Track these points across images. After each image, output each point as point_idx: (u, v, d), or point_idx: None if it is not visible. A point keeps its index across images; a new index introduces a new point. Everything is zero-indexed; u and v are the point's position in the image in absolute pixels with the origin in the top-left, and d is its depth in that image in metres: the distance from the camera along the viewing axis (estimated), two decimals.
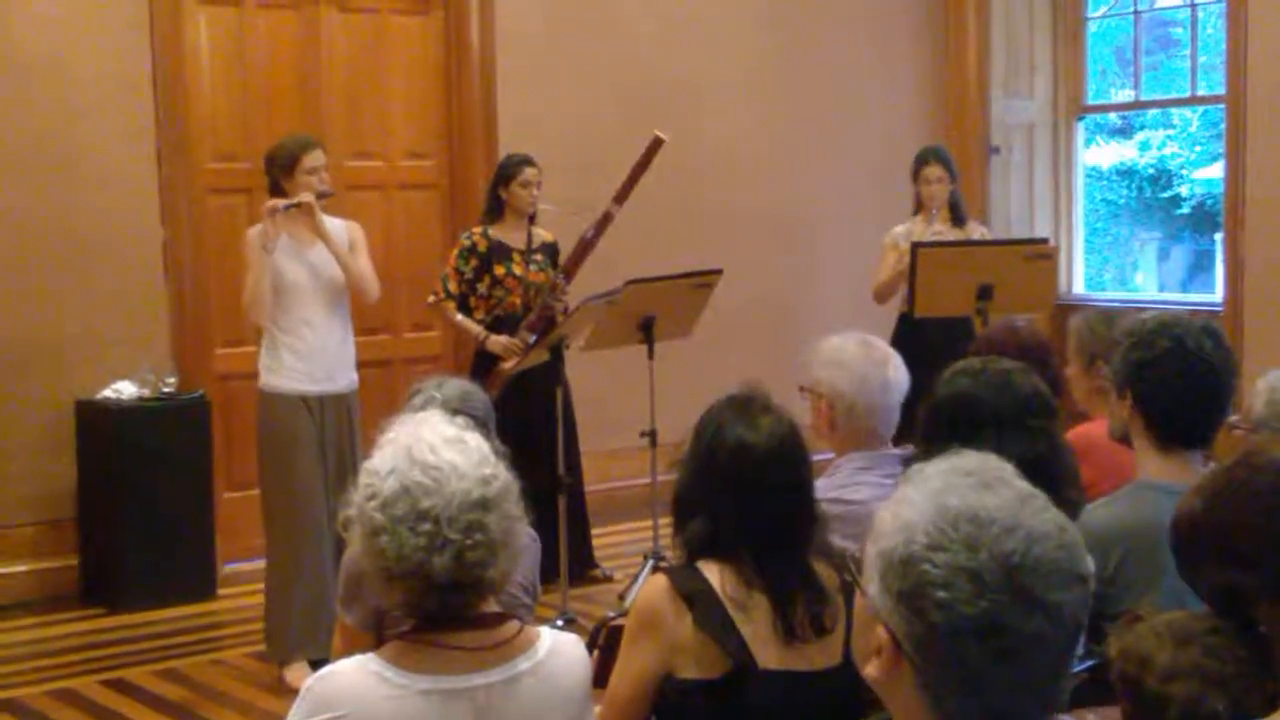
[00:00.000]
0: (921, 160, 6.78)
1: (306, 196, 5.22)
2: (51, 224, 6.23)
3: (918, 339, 5.87)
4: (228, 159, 6.71)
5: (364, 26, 7.07)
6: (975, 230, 6.92)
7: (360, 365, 5.52)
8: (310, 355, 5.27)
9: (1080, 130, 8.98)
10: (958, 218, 6.81)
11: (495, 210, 6.28)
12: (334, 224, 5.35)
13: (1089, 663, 2.28)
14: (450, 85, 7.28)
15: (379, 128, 7.09)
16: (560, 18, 7.50)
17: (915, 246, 6.19)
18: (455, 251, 6.28)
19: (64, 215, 6.25)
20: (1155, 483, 2.81)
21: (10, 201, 6.16)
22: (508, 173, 6.26)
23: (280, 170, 5.30)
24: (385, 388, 6.69)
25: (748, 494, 2.60)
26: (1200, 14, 8.63)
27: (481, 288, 6.21)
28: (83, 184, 6.29)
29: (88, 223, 6.29)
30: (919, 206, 6.76)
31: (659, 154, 6.15)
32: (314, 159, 5.31)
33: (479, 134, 7.26)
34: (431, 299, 6.26)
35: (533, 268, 6.24)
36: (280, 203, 5.21)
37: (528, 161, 6.24)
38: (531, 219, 6.30)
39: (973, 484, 1.46)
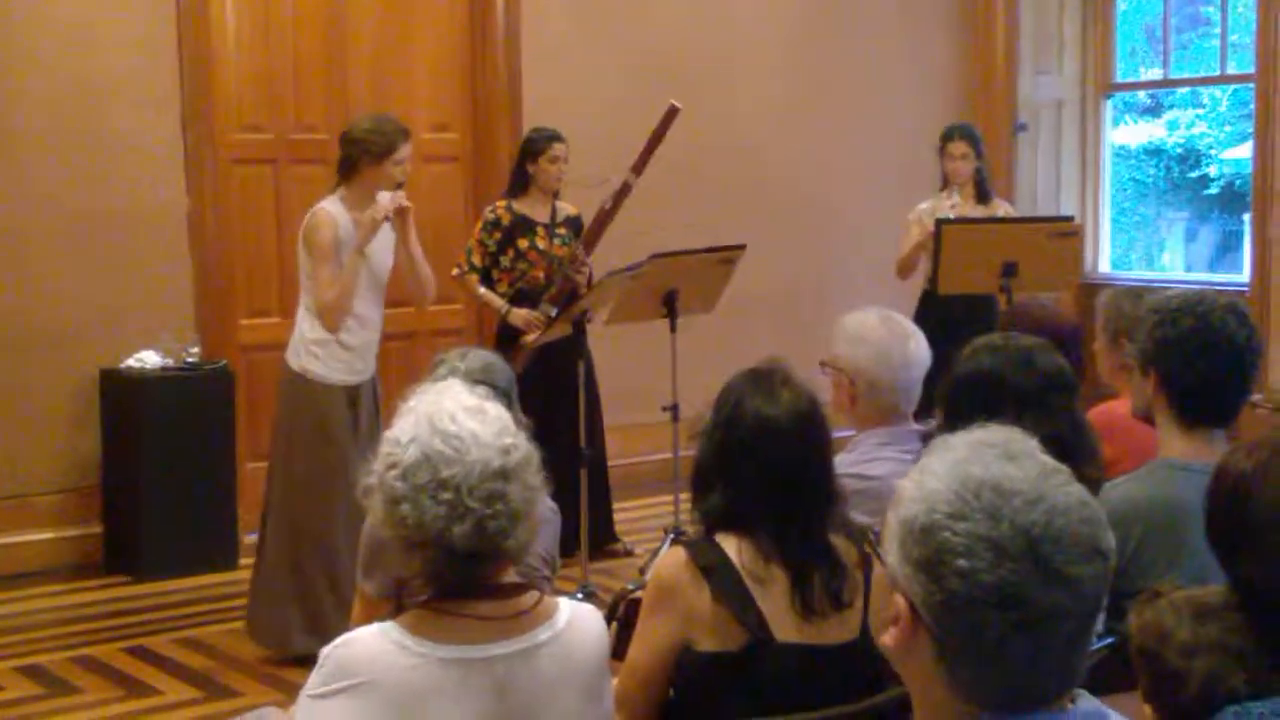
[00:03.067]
0: (946, 136, 6.79)
1: (405, 201, 5.06)
2: (76, 194, 6.25)
3: (940, 315, 5.85)
4: (252, 130, 6.72)
5: None
6: (1000, 208, 6.89)
7: (385, 338, 5.50)
8: (357, 348, 5.16)
9: (1108, 108, 8.93)
10: (982, 195, 6.79)
11: (520, 184, 6.27)
12: (385, 197, 5.13)
13: (1108, 640, 2.27)
14: (475, 58, 7.27)
15: (404, 100, 7.07)
16: None
17: (940, 223, 6.17)
18: (479, 225, 6.28)
19: (88, 185, 6.27)
20: (1177, 461, 2.79)
21: (36, 172, 6.17)
22: (535, 147, 6.24)
23: (368, 155, 5.03)
24: (409, 360, 6.71)
25: (766, 468, 2.60)
26: None
27: (505, 261, 6.21)
28: (107, 154, 6.30)
29: (112, 193, 6.31)
30: (946, 183, 6.76)
31: (683, 129, 6.13)
32: (406, 150, 5.10)
33: (503, 108, 7.25)
34: (455, 271, 6.26)
35: (556, 241, 6.24)
36: (387, 209, 5.01)
37: (556, 137, 6.22)
38: (556, 193, 6.29)
39: (997, 455, 1.46)
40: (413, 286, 5.32)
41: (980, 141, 6.84)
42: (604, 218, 6.11)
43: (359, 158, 5.06)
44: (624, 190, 6.08)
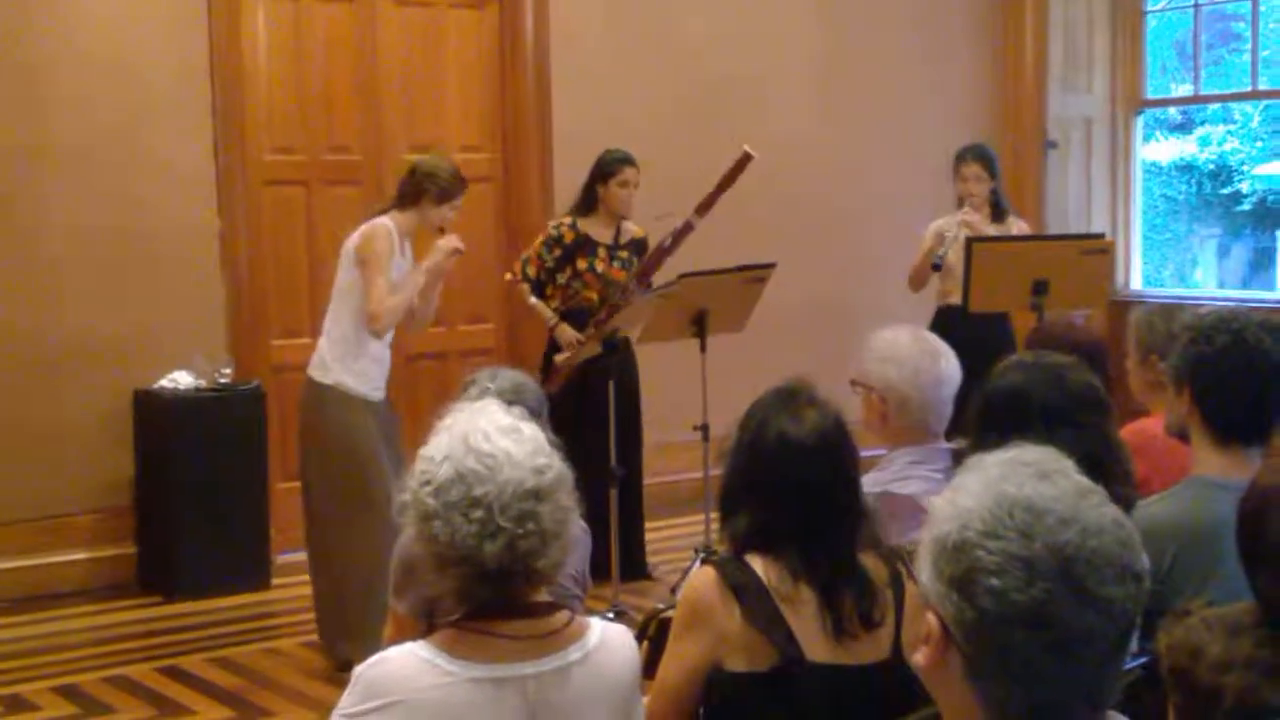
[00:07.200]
0: (959, 158, 6.75)
1: (461, 243, 5.27)
2: (109, 216, 6.30)
3: (955, 333, 5.81)
4: (284, 151, 6.76)
5: (420, 20, 7.10)
6: (1014, 225, 6.84)
7: (415, 357, 5.55)
8: (382, 365, 5.29)
9: (1139, 125, 8.90)
10: (997, 213, 6.75)
11: (588, 203, 6.25)
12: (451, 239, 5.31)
13: (1141, 659, 2.26)
14: (505, 79, 7.30)
15: (434, 121, 7.12)
16: (615, 12, 7.50)
17: (970, 241, 6.15)
18: (541, 238, 6.27)
19: (122, 207, 6.32)
20: (1212, 479, 2.77)
21: (69, 194, 6.23)
22: (608, 170, 6.20)
23: (438, 193, 5.20)
24: (440, 380, 6.73)
25: (791, 488, 2.59)
26: (1262, 7, 8.52)
27: (561, 279, 6.21)
28: (141, 176, 6.35)
29: (146, 214, 6.36)
30: (960, 203, 6.73)
31: (712, 149, 6.14)
32: (460, 200, 5.31)
33: (533, 128, 7.28)
34: (509, 277, 6.28)
35: (616, 264, 6.21)
36: (457, 245, 5.23)
37: (627, 160, 6.19)
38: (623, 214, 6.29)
39: (1031, 474, 1.46)
40: (413, 318, 5.37)
41: (995, 161, 6.78)
42: (661, 254, 6.05)
43: (428, 191, 5.20)
44: (685, 229, 5.99)
